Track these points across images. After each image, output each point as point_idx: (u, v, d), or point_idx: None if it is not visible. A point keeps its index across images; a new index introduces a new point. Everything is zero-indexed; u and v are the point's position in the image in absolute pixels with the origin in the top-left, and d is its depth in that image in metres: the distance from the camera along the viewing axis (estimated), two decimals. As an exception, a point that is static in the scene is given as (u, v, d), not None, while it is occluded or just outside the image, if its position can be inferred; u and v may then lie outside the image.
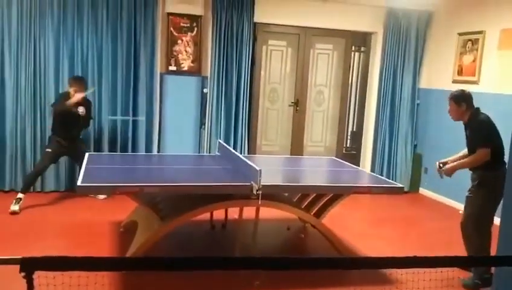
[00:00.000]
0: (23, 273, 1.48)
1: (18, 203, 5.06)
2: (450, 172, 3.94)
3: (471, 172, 3.97)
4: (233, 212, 4.51)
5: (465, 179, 4.14)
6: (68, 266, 1.38)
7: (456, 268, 2.87)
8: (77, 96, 5.21)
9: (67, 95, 5.28)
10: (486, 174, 3.79)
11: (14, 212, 4.96)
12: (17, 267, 1.45)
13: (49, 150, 5.31)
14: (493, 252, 3.84)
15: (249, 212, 4.04)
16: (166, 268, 1.50)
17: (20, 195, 5.14)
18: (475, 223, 3.84)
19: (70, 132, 5.39)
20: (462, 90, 4.00)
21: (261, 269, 1.78)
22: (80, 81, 5.38)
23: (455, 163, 3.97)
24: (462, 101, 3.89)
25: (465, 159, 3.91)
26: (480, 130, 3.82)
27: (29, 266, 1.41)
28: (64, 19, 5.63)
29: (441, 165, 4.04)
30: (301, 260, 1.64)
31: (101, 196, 5.58)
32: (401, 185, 4.30)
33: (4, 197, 5.44)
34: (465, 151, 4.07)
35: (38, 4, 5.53)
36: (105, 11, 5.72)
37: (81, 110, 5.31)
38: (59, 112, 5.29)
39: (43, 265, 1.38)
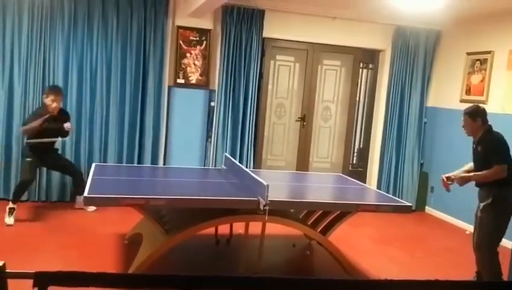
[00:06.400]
0: (36, 289, 1.44)
1: (12, 214, 4.92)
2: (462, 182, 3.87)
3: (478, 189, 3.92)
4: (238, 227, 4.48)
5: (471, 197, 4.12)
6: (84, 281, 1.35)
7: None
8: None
9: (42, 110, 5.14)
10: (498, 191, 3.74)
11: (10, 225, 4.85)
12: (29, 281, 1.41)
13: (30, 159, 5.10)
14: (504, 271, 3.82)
15: (252, 227, 4.01)
16: (188, 286, 1.46)
17: (11, 205, 4.98)
18: (489, 244, 3.79)
19: (45, 148, 5.21)
20: (477, 106, 3.96)
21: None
22: (57, 91, 5.22)
23: (469, 174, 3.89)
24: (477, 116, 3.84)
25: (480, 173, 3.82)
26: (497, 147, 3.77)
27: (43, 280, 1.36)
28: (75, 31, 5.67)
29: (447, 179, 3.99)
30: (312, 282, 1.60)
31: (91, 208, 5.45)
32: (409, 204, 4.25)
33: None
34: (469, 165, 4.03)
35: (49, 16, 5.57)
36: (115, 23, 5.76)
37: (67, 125, 5.20)
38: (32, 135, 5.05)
39: (58, 280, 1.35)
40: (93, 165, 4.67)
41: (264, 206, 3.55)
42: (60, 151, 5.58)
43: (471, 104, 4.03)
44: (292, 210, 4.48)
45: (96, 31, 5.73)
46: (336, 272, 4.16)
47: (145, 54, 5.91)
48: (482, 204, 3.84)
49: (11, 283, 1.42)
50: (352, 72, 6.98)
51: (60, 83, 5.66)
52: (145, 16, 5.83)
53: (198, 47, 6.14)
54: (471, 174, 3.90)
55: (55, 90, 5.24)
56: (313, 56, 6.74)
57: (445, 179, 3.99)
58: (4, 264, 1.39)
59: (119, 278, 1.48)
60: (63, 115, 5.30)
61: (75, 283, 1.34)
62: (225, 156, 5.26)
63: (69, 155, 5.73)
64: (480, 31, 6.10)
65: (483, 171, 3.78)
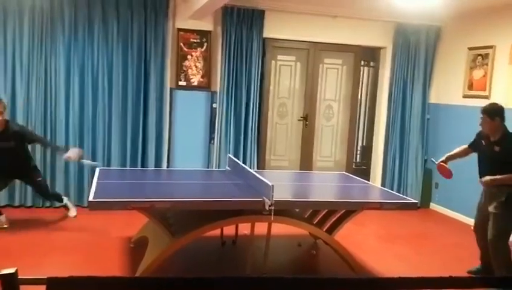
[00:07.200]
0: None
1: None
2: (489, 185, 3.87)
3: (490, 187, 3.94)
4: (243, 228, 4.48)
5: (475, 193, 4.14)
6: (97, 285, 1.34)
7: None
8: None
9: None
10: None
11: None
12: (42, 288, 1.41)
13: None
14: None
15: (257, 228, 4.00)
16: (197, 289, 1.46)
17: None
18: (505, 240, 3.82)
19: (7, 168, 4.93)
20: (496, 104, 3.98)
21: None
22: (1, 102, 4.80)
23: (497, 177, 3.84)
24: (495, 115, 3.84)
25: (507, 175, 3.78)
26: None
27: (55, 286, 1.35)
28: (75, 36, 5.66)
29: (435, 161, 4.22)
30: (323, 281, 1.60)
31: (73, 213, 5.44)
32: (414, 201, 4.24)
33: (14, 212, 5.41)
34: (460, 148, 4.19)
35: (50, 21, 5.56)
36: (115, 26, 5.75)
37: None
38: None
39: (71, 285, 1.33)
40: (97, 169, 4.67)
41: (270, 206, 3.55)
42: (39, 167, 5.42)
43: (490, 103, 4.02)
44: (297, 210, 4.47)
45: (97, 36, 5.72)
46: (342, 270, 4.15)
47: (146, 57, 5.91)
48: (494, 201, 3.86)
49: (23, 289, 1.42)
50: (353, 70, 6.97)
51: (62, 88, 5.66)
52: (146, 19, 5.83)
53: (199, 49, 6.14)
54: (498, 177, 3.83)
55: None
56: (314, 55, 6.73)
57: (443, 164, 4.14)
58: (16, 271, 1.39)
59: (132, 282, 1.47)
60: (12, 131, 4.86)
61: (88, 288, 1.33)
62: (229, 157, 5.26)
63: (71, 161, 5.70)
64: (482, 26, 6.08)
65: (509, 175, 3.76)
